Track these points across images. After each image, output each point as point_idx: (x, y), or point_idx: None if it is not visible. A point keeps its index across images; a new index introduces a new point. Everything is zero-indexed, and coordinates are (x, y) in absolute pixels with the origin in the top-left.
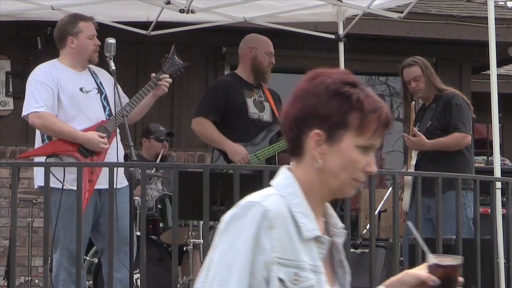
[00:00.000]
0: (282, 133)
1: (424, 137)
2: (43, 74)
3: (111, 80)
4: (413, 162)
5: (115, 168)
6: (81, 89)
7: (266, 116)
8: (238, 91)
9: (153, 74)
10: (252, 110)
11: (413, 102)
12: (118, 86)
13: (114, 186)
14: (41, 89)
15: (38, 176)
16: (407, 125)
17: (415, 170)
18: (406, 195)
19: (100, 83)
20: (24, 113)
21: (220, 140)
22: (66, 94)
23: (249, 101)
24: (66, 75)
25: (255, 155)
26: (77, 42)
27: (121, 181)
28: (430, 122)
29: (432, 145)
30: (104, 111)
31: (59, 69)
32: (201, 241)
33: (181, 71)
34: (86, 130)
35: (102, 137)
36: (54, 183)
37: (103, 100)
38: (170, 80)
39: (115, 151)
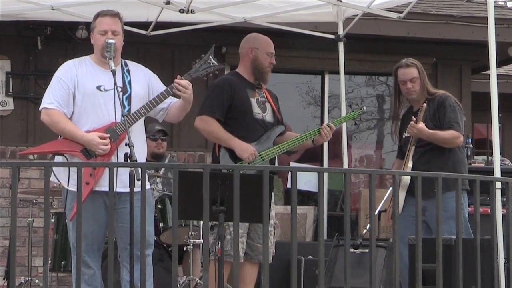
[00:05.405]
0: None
1: (424, 126)
2: (64, 70)
3: (147, 77)
4: (410, 164)
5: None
6: (98, 87)
7: (268, 116)
8: (243, 91)
9: (178, 76)
10: (256, 110)
11: (424, 104)
12: (158, 82)
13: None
14: (57, 86)
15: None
16: (396, 124)
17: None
18: (401, 197)
19: (129, 82)
20: (40, 107)
21: (227, 137)
22: (81, 91)
23: (253, 101)
24: (88, 72)
25: (260, 155)
26: (93, 37)
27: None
28: (425, 124)
29: (430, 135)
30: (123, 110)
31: (84, 65)
32: (201, 241)
33: (215, 74)
34: (96, 130)
35: (103, 138)
36: (65, 184)
37: (124, 100)
38: (185, 84)
39: (122, 154)
